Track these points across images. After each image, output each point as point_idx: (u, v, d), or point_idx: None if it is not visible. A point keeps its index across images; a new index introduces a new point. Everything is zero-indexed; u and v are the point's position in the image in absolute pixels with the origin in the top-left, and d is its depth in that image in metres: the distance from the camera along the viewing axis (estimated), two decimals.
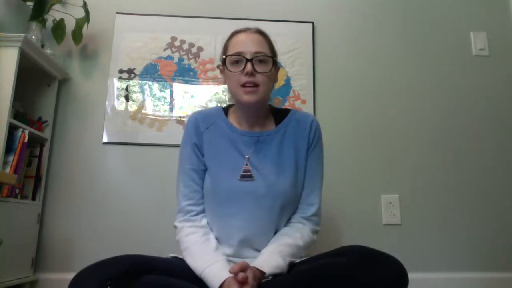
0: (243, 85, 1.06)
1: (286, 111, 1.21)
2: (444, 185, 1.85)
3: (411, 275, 0.89)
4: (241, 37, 1.11)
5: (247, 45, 1.08)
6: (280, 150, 1.13)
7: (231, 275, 0.91)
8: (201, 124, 1.16)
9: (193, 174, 1.14)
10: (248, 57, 1.07)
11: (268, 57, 1.09)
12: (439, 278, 1.74)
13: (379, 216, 1.81)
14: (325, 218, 1.71)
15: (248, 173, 1.09)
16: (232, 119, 1.18)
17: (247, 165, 1.10)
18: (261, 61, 1.08)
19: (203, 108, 1.85)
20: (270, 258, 0.99)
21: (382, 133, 1.89)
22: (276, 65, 1.14)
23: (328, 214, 1.74)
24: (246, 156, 1.11)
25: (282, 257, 0.99)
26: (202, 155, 1.14)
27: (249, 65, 1.05)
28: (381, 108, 1.92)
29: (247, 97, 1.07)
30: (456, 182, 1.86)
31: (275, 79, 1.16)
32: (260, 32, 1.14)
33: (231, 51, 1.10)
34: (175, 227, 1.12)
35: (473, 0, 2.07)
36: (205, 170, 1.14)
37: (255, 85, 1.06)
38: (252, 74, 1.05)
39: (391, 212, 1.80)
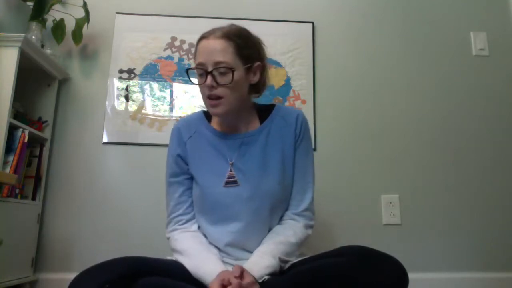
0: (208, 97, 1.03)
1: (271, 108, 1.17)
2: (444, 185, 1.85)
3: (411, 275, 0.89)
4: (203, 44, 1.04)
5: (209, 54, 1.01)
6: (265, 150, 1.11)
7: (224, 269, 0.93)
8: (184, 134, 1.15)
9: (178, 186, 1.14)
10: (209, 69, 1.01)
11: (229, 68, 1.00)
12: (439, 278, 1.74)
13: (379, 216, 1.81)
14: (325, 218, 1.72)
15: (233, 179, 1.08)
16: (215, 122, 1.16)
17: (231, 171, 1.09)
18: (222, 72, 1.01)
19: (203, 109, 1.85)
20: (261, 259, 0.98)
21: (382, 133, 1.89)
22: (251, 67, 1.06)
23: (328, 214, 1.75)
24: (230, 162, 1.10)
25: (273, 256, 0.98)
26: (187, 165, 1.14)
27: (209, 79, 1.00)
28: (381, 108, 1.92)
29: (213, 111, 1.04)
30: (456, 182, 1.86)
31: (250, 80, 1.08)
32: (226, 36, 1.03)
33: (196, 60, 1.05)
34: (167, 238, 1.12)
35: (473, 0, 2.07)
36: (191, 179, 1.14)
37: (218, 97, 1.02)
38: (212, 87, 1.01)
39: (391, 212, 1.80)
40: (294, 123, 1.13)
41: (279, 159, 1.10)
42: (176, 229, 1.11)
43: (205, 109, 1.21)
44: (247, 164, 1.09)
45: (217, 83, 1.01)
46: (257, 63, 1.08)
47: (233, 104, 1.04)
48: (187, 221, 1.12)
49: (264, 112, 1.16)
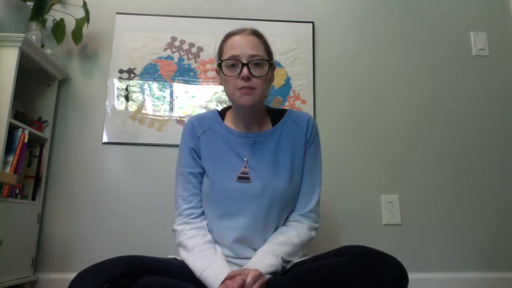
0: (240, 89, 1.06)
1: (283, 112, 1.21)
2: (444, 185, 1.85)
3: (411, 275, 0.89)
4: (236, 39, 1.10)
5: (243, 48, 1.07)
6: (277, 150, 1.14)
7: (229, 271, 0.92)
8: (197, 129, 1.17)
9: (191, 177, 1.14)
10: (244, 61, 1.06)
11: (264, 61, 1.08)
12: (439, 278, 1.74)
13: (379, 216, 1.81)
14: (325, 218, 1.72)
15: (246, 175, 1.10)
16: (229, 121, 1.19)
17: (245, 167, 1.11)
18: (257, 64, 1.07)
19: (204, 109, 1.86)
20: (263, 258, 0.99)
21: (382, 133, 1.89)
22: (272, 66, 1.14)
23: (328, 214, 1.75)
24: (245, 158, 1.12)
25: (275, 256, 0.99)
26: (200, 158, 1.15)
27: (245, 70, 1.05)
28: (381, 108, 1.92)
29: (244, 100, 1.07)
30: (456, 182, 1.86)
31: (271, 79, 1.16)
32: (255, 33, 1.12)
33: (226, 54, 1.09)
34: (175, 230, 1.12)
35: (473, 0, 2.07)
36: (203, 173, 1.15)
37: (252, 88, 1.06)
38: (248, 78, 1.05)
39: (391, 212, 1.80)
40: (305, 126, 1.17)
41: (289, 161, 1.13)
42: (187, 223, 1.11)
43: (219, 109, 1.25)
44: (259, 162, 1.12)
45: (252, 74, 1.05)
46: (274, 65, 1.16)
47: (261, 97, 1.11)
48: (198, 215, 1.13)
49: (276, 115, 1.20)
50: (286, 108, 1.27)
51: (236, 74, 1.06)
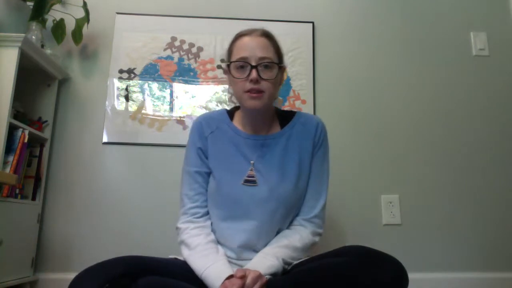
0: (248, 91, 1.05)
1: (292, 114, 1.20)
2: (444, 185, 1.85)
3: (411, 275, 0.89)
4: (245, 40, 1.09)
5: (252, 50, 1.06)
6: (285, 154, 1.13)
7: (231, 272, 0.92)
8: (205, 129, 1.16)
9: (198, 177, 1.14)
10: (253, 63, 1.04)
11: (274, 63, 1.07)
12: (439, 278, 1.74)
13: (379, 216, 1.81)
14: (326, 218, 1.72)
15: (252, 178, 1.10)
16: (237, 122, 1.18)
17: (251, 170, 1.10)
18: (266, 66, 1.05)
19: (204, 109, 1.86)
20: (264, 259, 0.99)
21: (382, 133, 1.89)
22: (281, 68, 1.12)
23: (328, 214, 1.73)
24: (251, 161, 1.11)
25: (276, 257, 0.99)
26: (207, 158, 1.15)
27: (254, 72, 1.04)
28: (381, 108, 1.92)
29: (252, 103, 1.06)
30: (456, 182, 1.86)
31: (281, 81, 1.15)
32: (265, 34, 1.10)
33: (235, 55, 1.08)
34: (178, 228, 1.12)
35: (473, 0, 2.07)
36: (209, 173, 1.15)
37: (260, 91, 1.05)
38: (257, 81, 1.04)
39: (391, 212, 1.80)
40: (313, 130, 1.16)
41: (296, 164, 1.12)
42: (191, 222, 1.10)
43: (227, 108, 1.24)
44: (266, 165, 1.11)
45: (260, 77, 1.04)
46: (283, 66, 1.14)
47: (270, 100, 1.09)
48: (203, 215, 1.13)
49: (285, 117, 1.19)
50: (295, 110, 1.25)
51: (244, 76, 1.05)
